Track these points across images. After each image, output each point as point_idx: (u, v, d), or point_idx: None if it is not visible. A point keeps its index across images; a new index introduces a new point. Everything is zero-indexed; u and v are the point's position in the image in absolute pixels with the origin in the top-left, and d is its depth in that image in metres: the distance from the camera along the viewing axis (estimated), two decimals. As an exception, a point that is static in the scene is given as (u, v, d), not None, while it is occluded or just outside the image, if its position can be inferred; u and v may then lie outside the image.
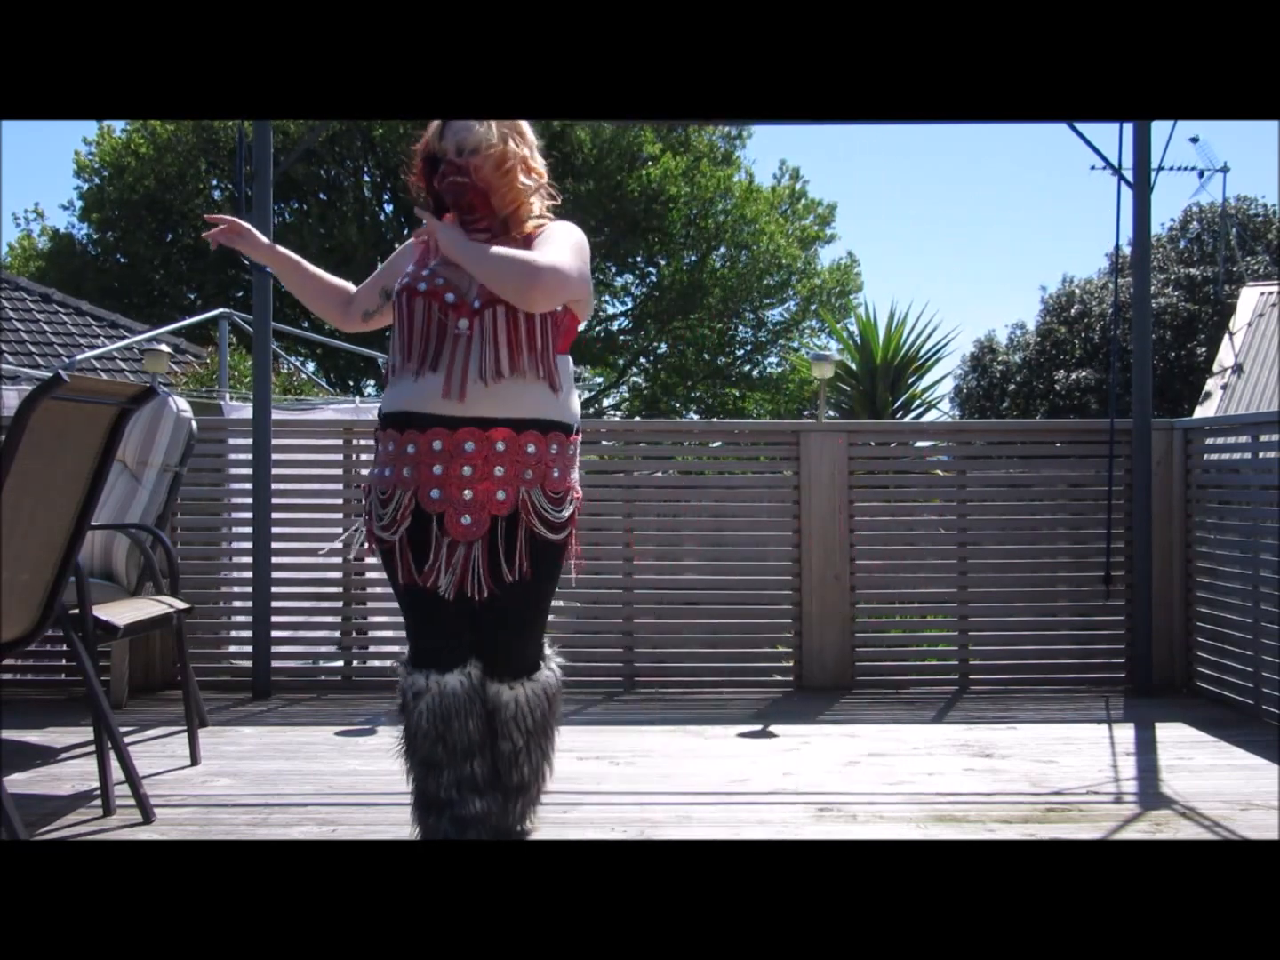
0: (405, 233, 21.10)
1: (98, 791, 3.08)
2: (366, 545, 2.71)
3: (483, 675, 2.67)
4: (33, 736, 3.94)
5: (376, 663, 4.99)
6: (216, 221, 2.82)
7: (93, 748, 3.22)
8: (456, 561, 2.55)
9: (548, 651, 2.78)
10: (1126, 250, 13.73)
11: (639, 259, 23.28)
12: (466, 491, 2.54)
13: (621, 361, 23.96)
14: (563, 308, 2.62)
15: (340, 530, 4.86)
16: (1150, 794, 3.34)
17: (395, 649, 5.00)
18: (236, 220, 2.83)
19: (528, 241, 2.60)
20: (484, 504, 2.55)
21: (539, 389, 2.59)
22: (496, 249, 2.55)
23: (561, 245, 2.60)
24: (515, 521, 2.57)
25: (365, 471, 2.78)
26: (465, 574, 2.56)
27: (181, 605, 3.66)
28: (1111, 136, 4.64)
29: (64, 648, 4.02)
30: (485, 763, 2.66)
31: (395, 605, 5.06)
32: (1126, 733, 4.11)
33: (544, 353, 2.58)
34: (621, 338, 23.66)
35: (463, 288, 2.58)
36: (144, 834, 2.91)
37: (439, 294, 2.57)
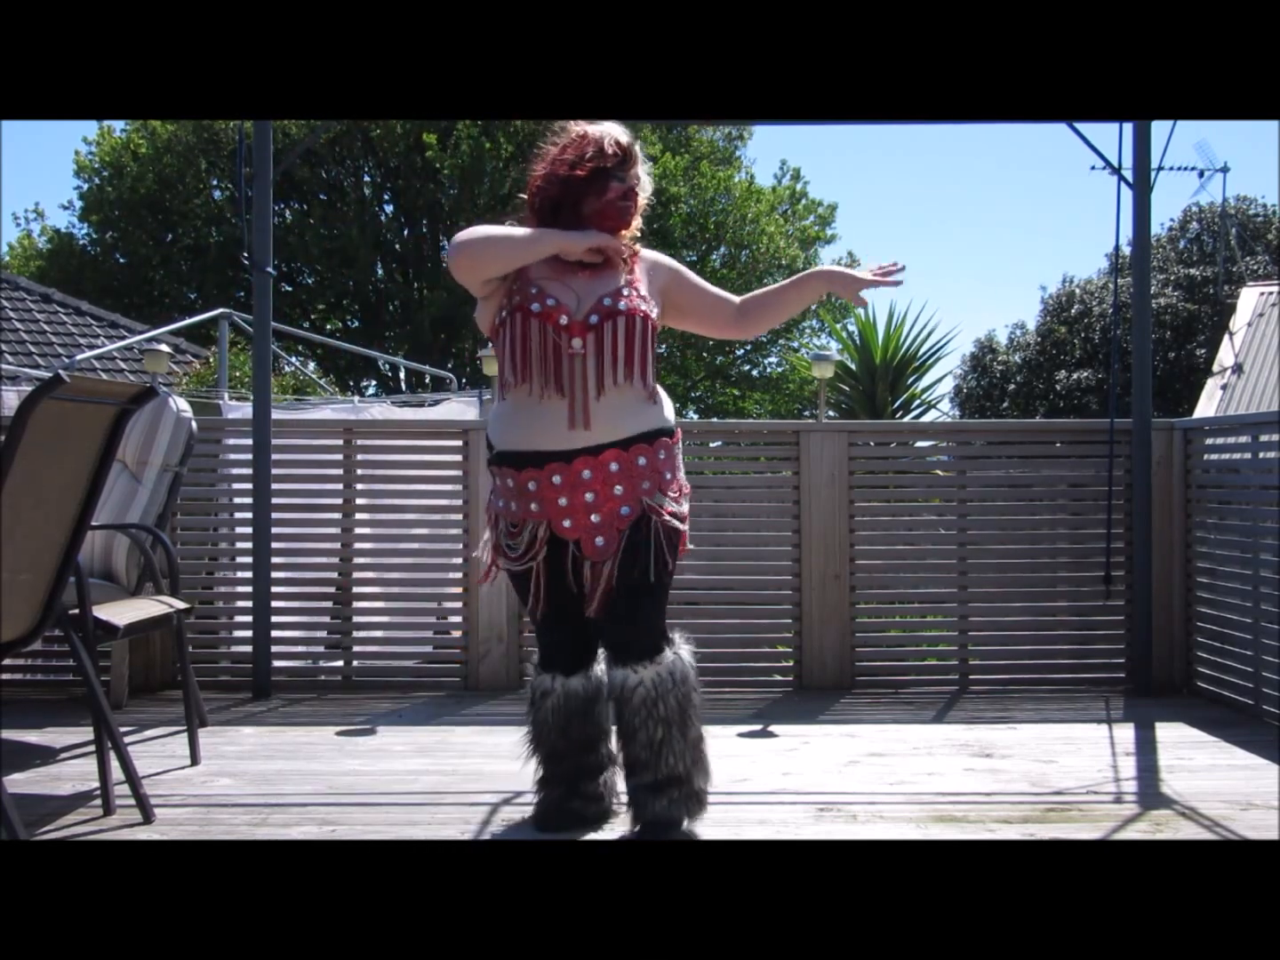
0: (405, 233, 21.12)
1: (98, 791, 3.08)
2: (488, 569, 2.91)
3: (610, 666, 2.79)
4: (33, 736, 3.94)
5: (376, 663, 4.99)
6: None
7: (93, 748, 3.22)
8: (600, 579, 2.75)
9: (675, 638, 2.86)
10: (1126, 250, 13.75)
11: (639, 259, 23.24)
12: (594, 516, 2.73)
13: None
14: (655, 318, 2.80)
15: (338, 530, 4.87)
16: (1150, 794, 3.33)
17: (394, 649, 5.01)
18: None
19: (631, 261, 2.84)
20: (611, 522, 2.74)
21: (639, 403, 2.76)
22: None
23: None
24: (641, 524, 2.74)
25: (488, 496, 2.94)
26: (607, 588, 2.74)
27: (181, 605, 3.66)
28: (1111, 136, 4.64)
29: (64, 648, 4.01)
30: (603, 753, 2.95)
31: (394, 604, 5.08)
32: (1126, 733, 4.11)
33: (650, 364, 2.77)
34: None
35: (572, 306, 2.72)
36: (144, 834, 2.91)
37: (553, 315, 2.71)
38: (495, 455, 2.83)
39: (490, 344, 2.91)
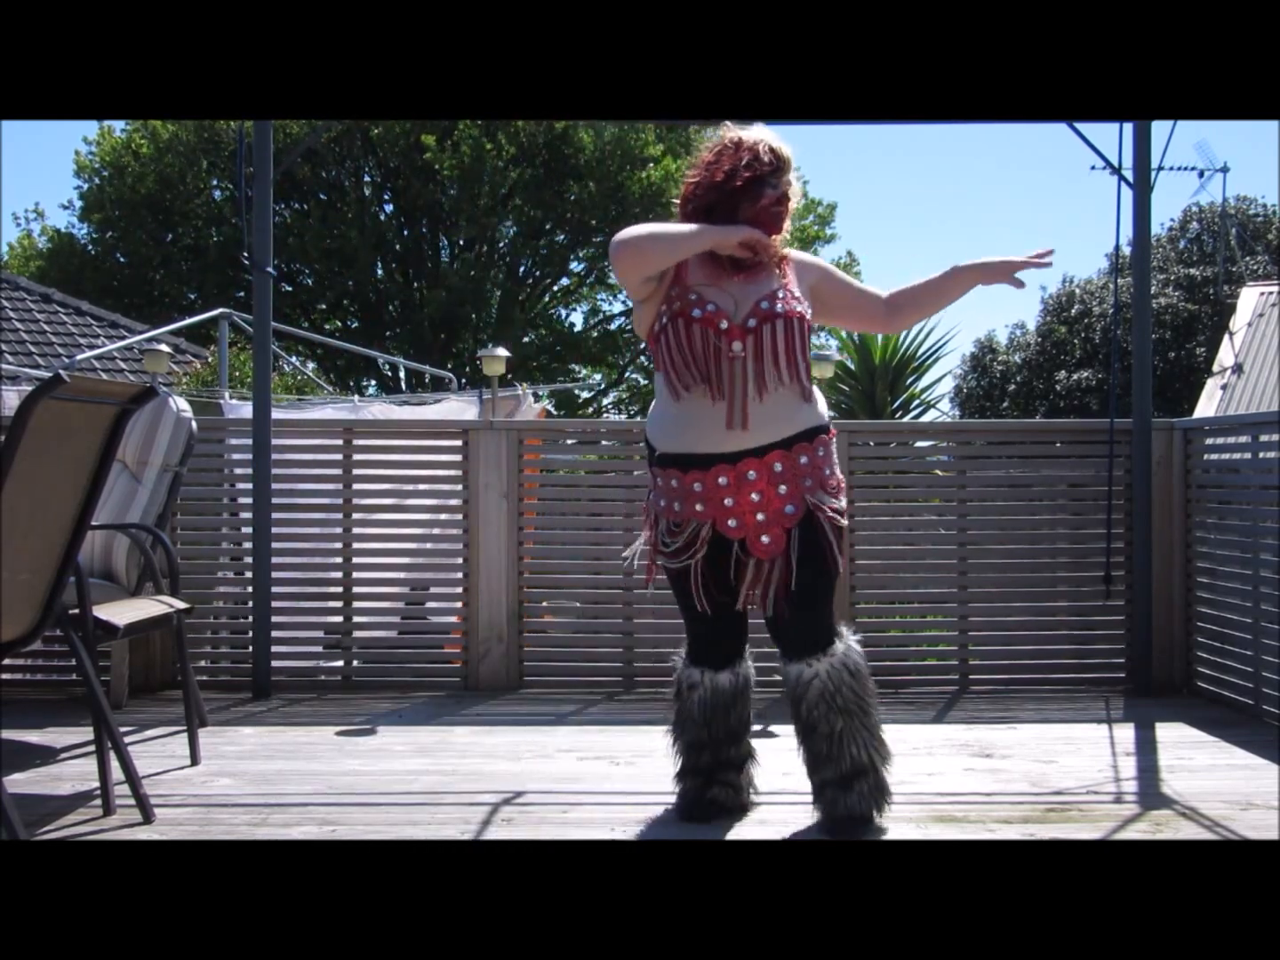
0: (405, 233, 21.11)
1: (98, 791, 3.08)
2: (649, 569, 3.01)
3: (784, 662, 2.85)
4: (33, 736, 3.94)
5: (376, 664, 4.98)
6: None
7: (93, 748, 3.22)
8: (764, 577, 2.80)
9: (844, 631, 2.91)
10: (1126, 250, 13.75)
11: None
12: (759, 515, 2.79)
13: (622, 361, 23.93)
14: (810, 318, 2.87)
15: (338, 530, 4.87)
16: (1150, 794, 3.33)
17: (394, 649, 5.01)
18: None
19: (782, 264, 2.90)
20: (777, 520, 2.79)
21: (797, 402, 2.82)
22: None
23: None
24: (807, 522, 2.80)
25: (650, 496, 3.00)
26: (773, 586, 2.80)
27: (181, 605, 3.66)
28: (1111, 136, 4.64)
29: (64, 648, 4.01)
30: (744, 747, 3.04)
31: (393, 605, 5.07)
32: (1126, 733, 4.11)
33: (805, 364, 2.83)
34: (623, 335, 23.67)
35: (730, 310, 2.79)
36: (144, 834, 2.91)
37: (713, 320, 2.77)
38: (659, 457, 2.88)
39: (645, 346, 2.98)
